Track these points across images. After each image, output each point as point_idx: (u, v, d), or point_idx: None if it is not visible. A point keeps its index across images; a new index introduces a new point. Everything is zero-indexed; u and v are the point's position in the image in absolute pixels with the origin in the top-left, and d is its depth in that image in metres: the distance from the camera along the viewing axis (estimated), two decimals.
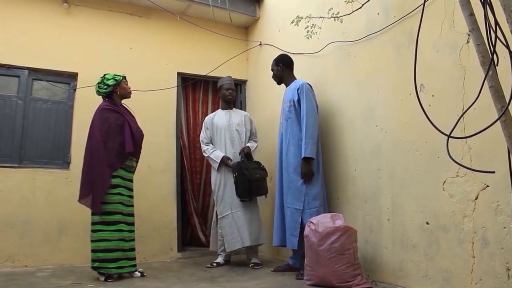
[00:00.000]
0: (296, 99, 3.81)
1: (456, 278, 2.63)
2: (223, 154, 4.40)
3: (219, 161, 4.39)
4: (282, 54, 4.25)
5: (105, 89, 3.81)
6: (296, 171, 3.72)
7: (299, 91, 3.80)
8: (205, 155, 4.56)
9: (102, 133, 3.67)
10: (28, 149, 4.47)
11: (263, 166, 4.37)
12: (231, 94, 4.63)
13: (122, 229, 3.64)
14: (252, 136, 4.63)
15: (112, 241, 3.57)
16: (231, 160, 4.37)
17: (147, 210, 4.71)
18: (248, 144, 4.48)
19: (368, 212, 3.44)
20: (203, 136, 4.60)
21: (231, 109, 4.67)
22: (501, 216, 2.38)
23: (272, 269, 3.95)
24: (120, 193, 3.68)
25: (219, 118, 4.61)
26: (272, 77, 4.20)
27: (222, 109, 4.69)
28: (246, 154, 4.35)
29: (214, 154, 4.44)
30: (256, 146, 4.60)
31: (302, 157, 3.63)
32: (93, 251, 3.57)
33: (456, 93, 2.70)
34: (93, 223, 3.61)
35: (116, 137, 3.71)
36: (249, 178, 4.16)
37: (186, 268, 4.28)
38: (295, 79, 4.05)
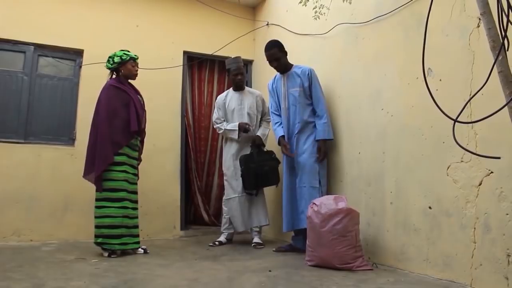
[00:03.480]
0: (306, 84, 3.86)
1: (456, 262, 2.65)
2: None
3: (237, 128, 4.35)
4: (275, 40, 4.14)
5: (111, 64, 3.83)
6: (308, 151, 3.80)
7: (309, 76, 3.87)
8: (221, 131, 4.50)
9: (108, 111, 3.68)
10: (33, 125, 4.49)
11: (274, 155, 4.31)
12: (240, 80, 4.55)
13: (126, 206, 3.68)
14: (264, 116, 4.56)
15: (117, 218, 3.61)
16: (248, 125, 4.36)
17: (151, 188, 4.74)
18: (259, 133, 4.40)
19: (371, 195, 3.45)
20: (215, 116, 4.56)
21: (243, 90, 4.62)
22: (504, 203, 2.38)
23: (274, 249, 3.99)
24: (125, 170, 3.70)
25: (231, 99, 4.57)
26: (276, 66, 4.06)
27: (234, 90, 4.64)
28: (257, 145, 4.33)
29: (231, 125, 4.42)
30: (268, 128, 4.50)
31: (325, 138, 3.74)
32: (97, 227, 3.61)
33: (464, 78, 2.67)
34: (97, 200, 3.65)
35: (122, 115, 3.72)
36: (256, 172, 4.16)
37: (189, 246, 4.33)
38: (291, 64, 4.08)
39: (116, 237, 3.60)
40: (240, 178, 4.31)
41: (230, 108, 4.52)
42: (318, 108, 3.83)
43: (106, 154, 3.62)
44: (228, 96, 4.61)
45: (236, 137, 4.37)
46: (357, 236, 3.17)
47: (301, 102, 3.87)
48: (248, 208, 4.32)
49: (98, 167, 3.60)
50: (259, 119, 4.53)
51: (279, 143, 4.02)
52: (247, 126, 4.34)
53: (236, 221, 4.34)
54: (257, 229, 4.42)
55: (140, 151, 3.97)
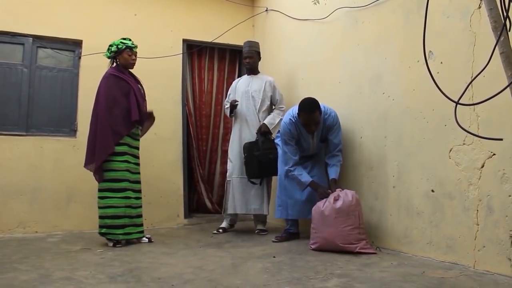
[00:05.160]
0: (330, 131, 3.65)
1: (459, 245, 2.66)
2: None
3: (229, 106, 4.49)
4: (313, 98, 3.51)
5: (109, 53, 3.82)
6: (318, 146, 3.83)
7: (335, 126, 3.62)
8: (226, 113, 4.73)
9: (108, 100, 3.67)
10: (35, 117, 4.49)
11: None
12: (248, 63, 4.55)
13: (129, 196, 3.69)
14: (277, 104, 4.48)
15: (119, 208, 3.62)
16: (235, 101, 4.44)
17: (154, 177, 4.75)
18: (266, 121, 4.33)
19: (373, 180, 3.46)
20: (225, 101, 4.69)
21: (255, 74, 4.59)
22: (507, 184, 2.39)
23: (273, 239, 3.84)
24: (127, 160, 3.71)
25: (241, 83, 4.60)
26: (314, 130, 3.56)
27: (247, 74, 4.66)
28: (263, 132, 4.28)
29: (228, 104, 4.55)
30: (279, 117, 4.34)
31: (334, 178, 3.56)
32: (101, 217, 3.63)
33: (465, 60, 2.66)
34: (100, 190, 3.66)
35: (122, 104, 3.71)
36: (260, 159, 4.12)
37: (193, 234, 4.35)
38: None
39: (119, 227, 3.62)
40: (239, 161, 4.35)
41: (239, 91, 4.55)
42: (336, 148, 3.63)
43: (107, 144, 3.61)
44: (240, 81, 4.66)
45: (229, 114, 4.56)
46: (360, 217, 3.21)
47: (324, 147, 3.84)
48: (243, 192, 4.31)
49: (98, 157, 3.60)
50: (267, 104, 4.46)
51: (315, 189, 3.56)
52: (234, 103, 4.43)
53: (229, 203, 4.39)
54: (261, 218, 4.42)
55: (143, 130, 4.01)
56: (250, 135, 4.36)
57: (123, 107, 3.72)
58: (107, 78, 3.75)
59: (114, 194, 3.63)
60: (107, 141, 3.61)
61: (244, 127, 4.43)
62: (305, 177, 3.61)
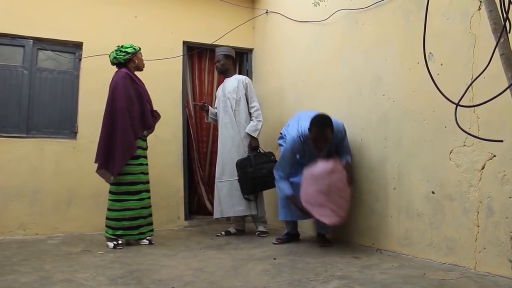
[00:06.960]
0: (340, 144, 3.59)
1: (460, 246, 2.66)
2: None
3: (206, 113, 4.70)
4: (327, 116, 3.37)
5: (124, 55, 3.78)
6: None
7: (341, 137, 3.53)
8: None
9: (127, 100, 3.67)
10: (35, 119, 4.49)
11: (274, 157, 4.25)
12: (217, 66, 4.61)
13: (143, 197, 3.75)
14: (249, 101, 4.44)
15: (136, 210, 3.68)
16: (203, 102, 4.63)
17: (155, 179, 4.70)
18: (250, 130, 4.30)
19: (374, 181, 3.45)
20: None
21: (229, 77, 4.59)
22: (507, 186, 2.38)
23: (273, 241, 3.84)
24: (141, 163, 3.75)
25: (219, 88, 4.68)
26: (324, 147, 3.41)
27: (223, 79, 4.72)
28: (253, 148, 4.30)
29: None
30: (260, 121, 4.35)
31: (348, 161, 3.53)
32: (117, 219, 3.63)
33: (465, 62, 2.66)
34: (116, 193, 3.66)
35: (136, 106, 3.74)
36: (253, 176, 4.12)
37: (193, 236, 4.35)
38: None
39: (135, 228, 3.68)
40: (220, 164, 4.41)
41: (218, 96, 4.63)
42: (346, 153, 3.58)
43: (131, 145, 3.63)
44: (220, 86, 4.71)
45: (206, 119, 4.76)
46: (338, 188, 3.26)
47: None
48: (226, 196, 4.32)
49: (123, 157, 3.58)
50: (243, 103, 4.44)
51: (294, 203, 3.56)
52: (203, 104, 4.60)
53: (214, 207, 4.47)
54: (261, 219, 4.42)
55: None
56: (230, 138, 4.38)
57: (137, 109, 3.74)
58: (124, 77, 3.71)
59: (131, 197, 3.67)
60: (130, 142, 3.62)
61: (223, 129, 4.46)
62: (287, 190, 3.58)
